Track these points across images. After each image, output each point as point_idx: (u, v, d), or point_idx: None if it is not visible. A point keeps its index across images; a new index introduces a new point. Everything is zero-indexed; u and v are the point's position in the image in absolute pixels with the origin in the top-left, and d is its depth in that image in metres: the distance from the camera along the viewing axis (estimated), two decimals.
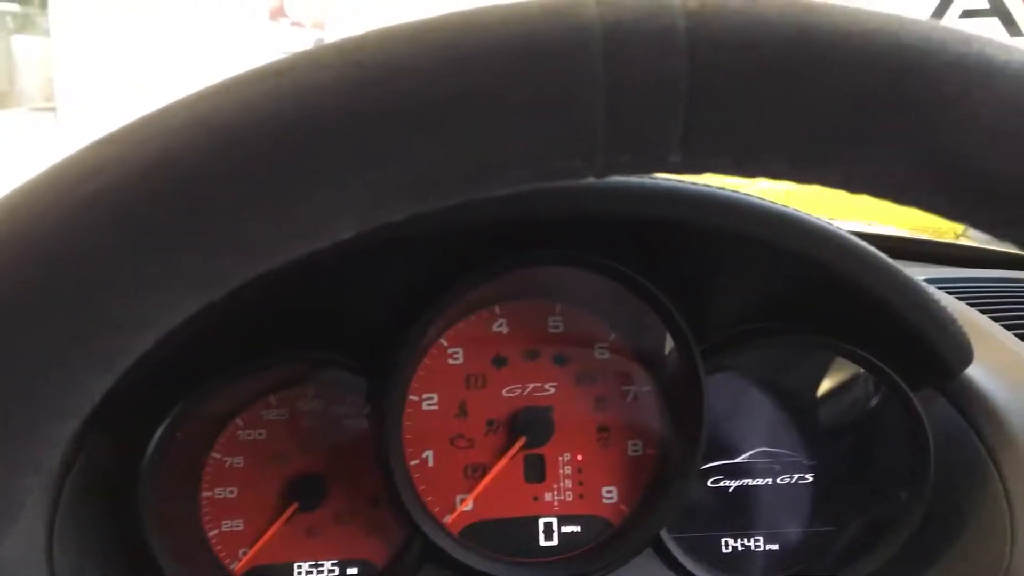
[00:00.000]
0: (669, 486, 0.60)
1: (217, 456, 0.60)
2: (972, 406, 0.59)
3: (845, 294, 0.55)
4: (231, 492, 0.60)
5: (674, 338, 0.57)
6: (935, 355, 0.57)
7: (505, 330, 0.62)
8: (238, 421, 0.60)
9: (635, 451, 0.63)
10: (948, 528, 0.59)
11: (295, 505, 0.59)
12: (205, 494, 0.60)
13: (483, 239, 0.56)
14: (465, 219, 0.53)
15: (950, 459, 0.60)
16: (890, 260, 0.53)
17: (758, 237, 0.54)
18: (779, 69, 0.24)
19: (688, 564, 0.60)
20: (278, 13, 5.45)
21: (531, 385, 0.62)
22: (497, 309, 0.62)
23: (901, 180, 0.26)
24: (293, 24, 5.25)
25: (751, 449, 0.64)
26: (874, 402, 0.62)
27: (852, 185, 0.26)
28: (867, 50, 0.24)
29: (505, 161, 0.25)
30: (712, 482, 0.64)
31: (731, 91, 0.24)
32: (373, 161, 0.24)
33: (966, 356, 0.57)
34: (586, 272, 0.57)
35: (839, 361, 0.62)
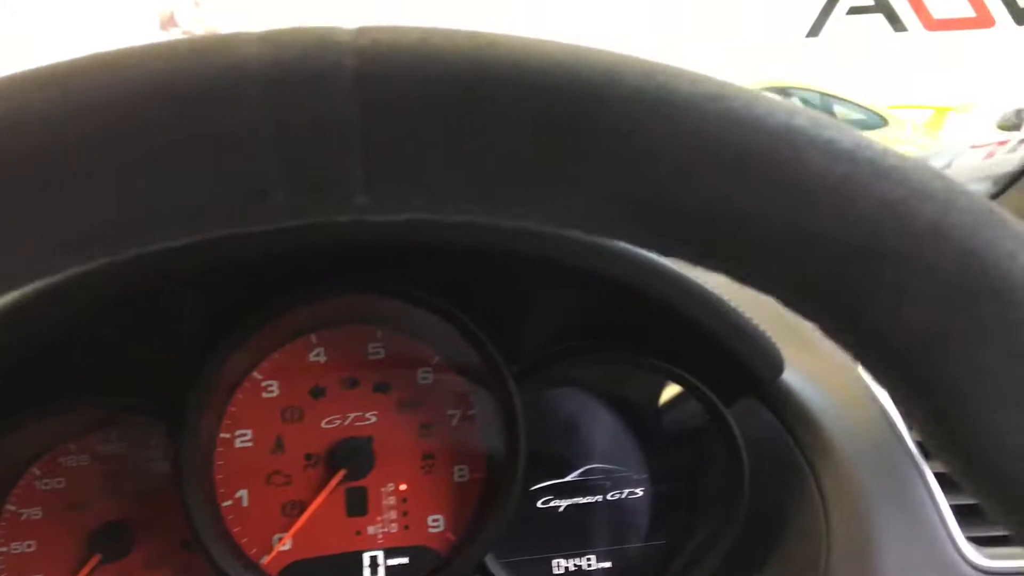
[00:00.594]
0: (494, 511, 0.59)
1: (12, 508, 0.56)
2: (790, 413, 0.60)
3: (652, 312, 0.55)
4: (29, 546, 0.56)
5: (483, 361, 0.56)
6: (745, 367, 0.57)
7: (323, 359, 0.60)
8: (35, 470, 0.57)
9: (461, 477, 0.61)
10: (770, 534, 0.60)
11: (98, 556, 0.56)
12: (0, 550, 0.56)
13: (283, 269, 0.54)
14: (261, 249, 0.51)
15: (771, 466, 0.60)
16: (688, 276, 0.53)
17: (561, 260, 0.53)
18: (456, 107, 0.22)
19: None
20: (169, 23, 5.31)
21: (351, 415, 0.60)
22: (314, 338, 0.60)
23: (599, 217, 0.25)
24: (184, 33, 5.12)
25: (582, 466, 0.64)
26: (697, 415, 0.62)
27: (552, 222, 0.25)
28: (545, 86, 0.23)
29: (163, 213, 0.23)
30: (542, 503, 0.63)
31: (409, 131, 0.23)
32: (6, 217, 0.22)
33: (776, 366, 0.58)
34: (389, 299, 0.55)
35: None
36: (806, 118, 0.24)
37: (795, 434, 0.59)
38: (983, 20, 6.91)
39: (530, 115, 0.23)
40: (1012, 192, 0.71)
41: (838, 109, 5.82)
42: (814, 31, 6.49)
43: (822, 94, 5.87)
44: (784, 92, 5.86)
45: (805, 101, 5.88)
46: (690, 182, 0.23)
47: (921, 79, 6.67)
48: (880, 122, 5.75)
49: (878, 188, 0.23)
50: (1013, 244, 0.23)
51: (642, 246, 0.26)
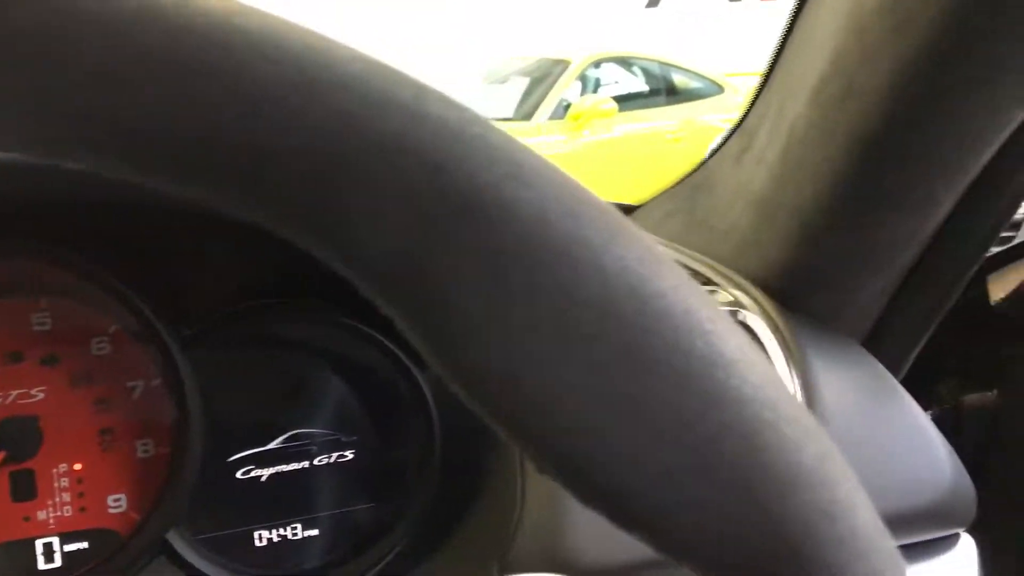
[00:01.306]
0: (173, 486, 0.55)
1: None
2: None
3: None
4: None
5: (141, 325, 0.52)
6: None
7: None
8: None
9: (145, 452, 0.57)
10: (471, 484, 0.59)
11: None
12: None
13: None
14: None
15: (476, 420, 0.59)
16: None
17: (235, 215, 0.50)
18: None
19: (204, 566, 0.56)
20: None
21: (14, 392, 0.55)
22: None
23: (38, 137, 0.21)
24: None
25: (285, 432, 0.61)
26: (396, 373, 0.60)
27: None
28: None
29: None
30: (243, 473, 0.60)
31: None
32: None
33: None
34: (28, 261, 0.51)
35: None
36: (255, 20, 0.21)
37: None
38: None
39: None
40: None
41: (677, 78, 5.97)
42: (653, 1, 6.64)
43: (661, 63, 6.00)
44: (625, 61, 5.97)
45: (646, 71, 6.02)
46: (117, 93, 0.20)
47: (756, 47, 6.95)
48: (717, 90, 5.93)
49: (335, 97, 0.21)
50: (485, 157, 0.21)
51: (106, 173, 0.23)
